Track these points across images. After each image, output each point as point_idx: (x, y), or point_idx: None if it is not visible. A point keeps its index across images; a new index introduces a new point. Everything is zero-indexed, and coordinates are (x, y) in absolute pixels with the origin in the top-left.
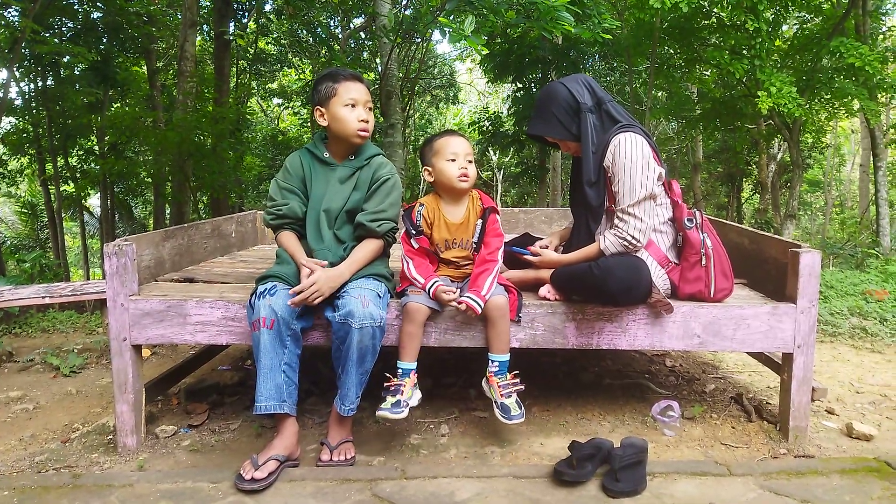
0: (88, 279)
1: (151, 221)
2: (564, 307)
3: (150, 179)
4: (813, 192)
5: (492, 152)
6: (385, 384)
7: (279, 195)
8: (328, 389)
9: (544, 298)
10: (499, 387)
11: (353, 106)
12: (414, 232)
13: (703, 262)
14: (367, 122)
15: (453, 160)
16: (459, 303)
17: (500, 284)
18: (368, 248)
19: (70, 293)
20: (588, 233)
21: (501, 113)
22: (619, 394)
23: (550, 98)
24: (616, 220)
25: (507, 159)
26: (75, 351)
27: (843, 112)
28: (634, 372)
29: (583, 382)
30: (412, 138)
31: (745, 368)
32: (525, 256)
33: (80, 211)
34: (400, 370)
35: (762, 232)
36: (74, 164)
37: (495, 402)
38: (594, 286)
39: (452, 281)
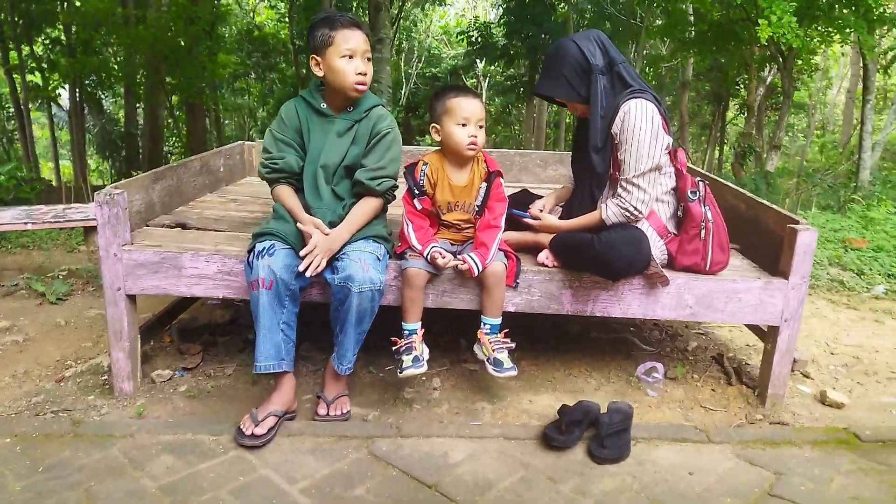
0: (59, 174)
1: (122, 117)
2: (562, 274)
3: (122, 79)
4: (797, 115)
5: (479, 63)
6: (395, 346)
7: (275, 147)
8: (322, 334)
9: (542, 264)
10: (490, 343)
11: (350, 57)
12: (417, 192)
13: (703, 235)
14: (366, 74)
15: (464, 125)
16: (462, 261)
17: (501, 250)
18: (367, 206)
19: (52, 219)
20: (591, 198)
21: (491, 23)
22: (606, 349)
23: (560, 56)
24: (620, 190)
25: (492, 67)
26: (60, 277)
27: (839, 39)
28: (620, 325)
29: (570, 335)
30: (396, 42)
31: (727, 324)
32: (525, 220)
33: (49, 104)
34: (406, 331)
35: (760, 200)
36: (40, 53)
37: (487, 357)
38: (595, 260)
39: (452, 244)
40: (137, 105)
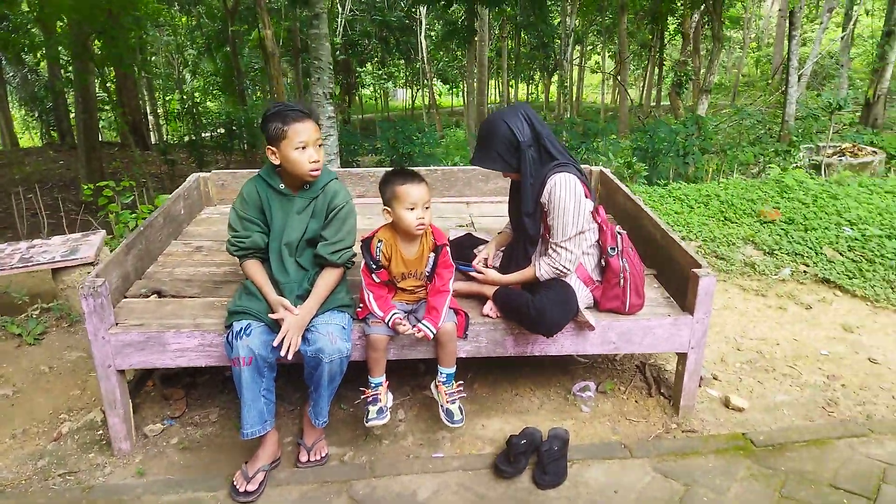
0: None
1: (45, 67)
2: (504, 324)
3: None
4: (732, 28)
5: (418, 11)
6: (363, 396)
7: (240, 226)
8: (296, 374)
9: (487, 316)
10: (446, 394)
11: (303, 148)
12: (374, 267)
13: (622, 283)
14: (318, 161)
15: (412, 209)
16: (418, 330)
17: (451, 309)
18: (330, 278)
19: (20, 264)
20: (524, 253)
21: None
22: (548, 365)
23: (492, 135)
24: (550, 251)
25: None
26: (34, 316)
27: None
28: None
29: None
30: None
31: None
32: (470, 273)
33: None
34: (372, 384)
35: (672, 234)
36: None
37: (441, 406)
38: (530, 324)
39: (407, 304)
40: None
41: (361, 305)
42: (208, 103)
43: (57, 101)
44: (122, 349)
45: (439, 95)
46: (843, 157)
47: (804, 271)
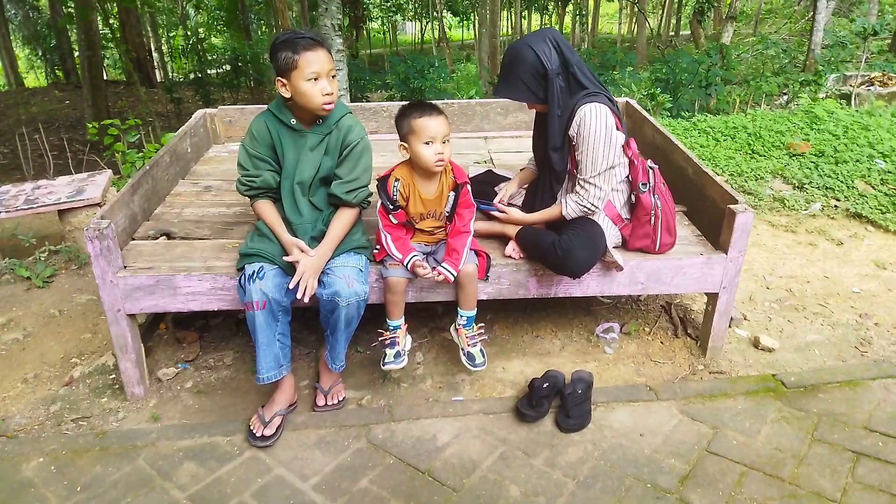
0: None
1: (45, 3)
2: (527, 265)
3: None
4: None
5: None
6: (380, 338)
7: (250, 164)
8: (311, 317)
9: (509, 257)
10: (466, 337)
11: (315, 79)
12: (392, 207)
13: (652, 221)
14: (332, 94)
15: (430, 143)
16: (438, 273)
17: (472, 250)
18: (346, 219)
19: (25, 205)
20: (550, 191)
21: None
22: (569, 306)
23: (518, 61)
24: (577, 187)
25: None
26: (42, 259)
27: None
28: None
29: None
30: None
31: None
32: (492, 212)
33: None
34: (391, 327)
35: (705, 169)
36: None
37: (462, 349)
38: (556, 264)
39: (426, 245)
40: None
41: (378, 247)
42: (213, 39)
43: (60, 39)
44: (131, 293)
45: (449, 28)
46: (871, 87)
47: (835, 206)
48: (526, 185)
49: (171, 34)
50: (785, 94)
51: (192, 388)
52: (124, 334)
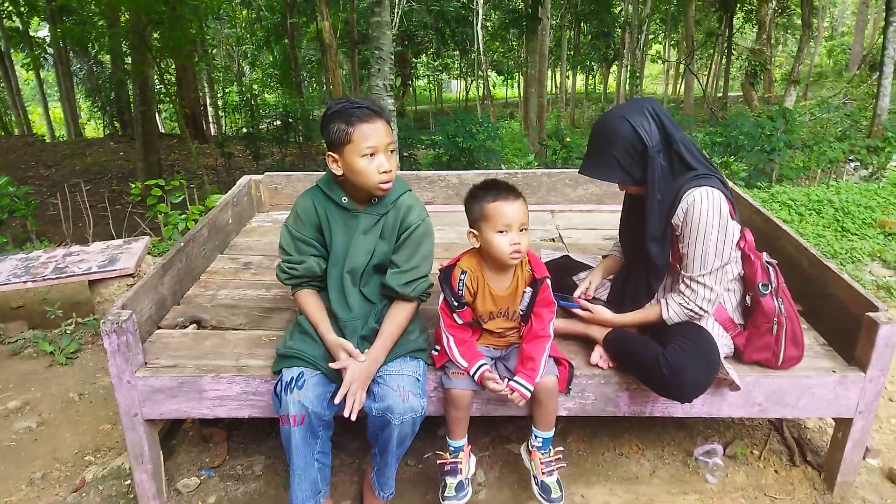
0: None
1: (109, 58)
2: (618, 376)
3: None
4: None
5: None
6: (439, 461)
7: (293, 247)
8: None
9: (595, 365)
10: (541, 463)
11: (371, 155)
12: (456, 304)
13: (775, 330)
14: (390, 171)
15: (505, 231)
16: (511, 389)
17: (551, 357)
18: (401, 316)
19: (53, 274)
20: (647, 287)
21: None
22: (657, 418)
23: (612, 138)
24: (682, 287)
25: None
26: (67, 332)
27: None
28: None
29: None
30: None
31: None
32: (574, 310)
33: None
34: (451, 447)
35: (826, 262)
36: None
37: (535, 477)
38: (661, 384)
39: (494, 349)
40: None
41: (438, 349)
42: (266, 95)
43: (119, 93)
44: (151, 395)
45: (493, 87)
46: None
47: None
48: (611, 277)
49: (227, 90)
50: (851, 160)
51: (216, 503)
52: (141, 443)
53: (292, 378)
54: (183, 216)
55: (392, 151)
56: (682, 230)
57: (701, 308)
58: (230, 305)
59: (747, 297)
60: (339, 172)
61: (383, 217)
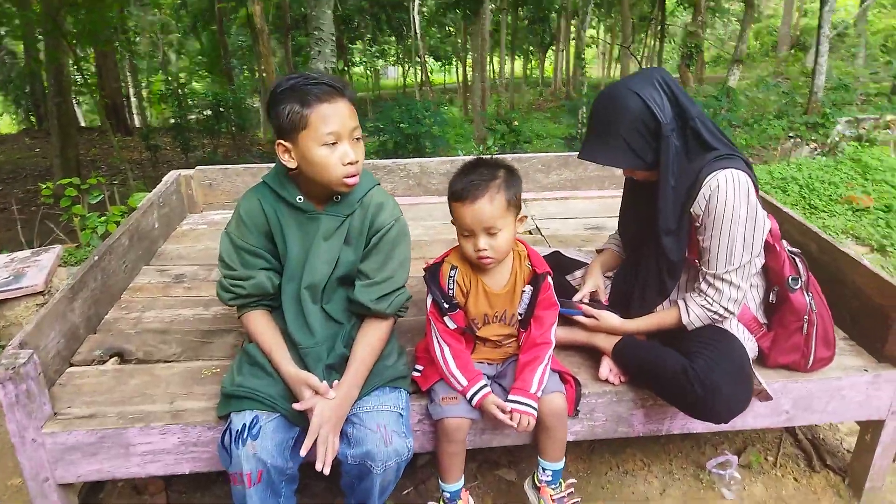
0: None
1: (22, 49)
2: (633, 392)
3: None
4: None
5: None
6: None
7: (237, 261)
8: None
9: (606, 381)
10: (553, 501)
11: (333, 143)
12: (447, 306)
13: (805, 329)
14: (356, 162)
15: (468, 236)
16: (514, 414)
17: (554, 371)
18: (375, 337)
19: None
20: (657, 287)
21: None
22: None
23: (619, 115)
24: (704, 286)
25: None
26: None
27: None
28: None
29: None
30: None
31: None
32: (576, 318)
33: None
34: (446, 493)
35: (842, 248)
36: None
37: None
38: (692, 404)
39: (490, 364)
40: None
41: (420, 369)
42: (194, 84)
43: (34, 84)
44: (63, 455)
45: (431, 73)
46: (890, 130)
47: None
48: (609, 274)
49: (151, 79)
50: (791, 136)
51: None
52: None
53: (244, 425)
54: (103, 219)
55: (357, 139)
56: (703, 220)
57: (726, 309)
58: (160, 331)
59: (771, 294)
60: (291, 165)
61: (348, 218)
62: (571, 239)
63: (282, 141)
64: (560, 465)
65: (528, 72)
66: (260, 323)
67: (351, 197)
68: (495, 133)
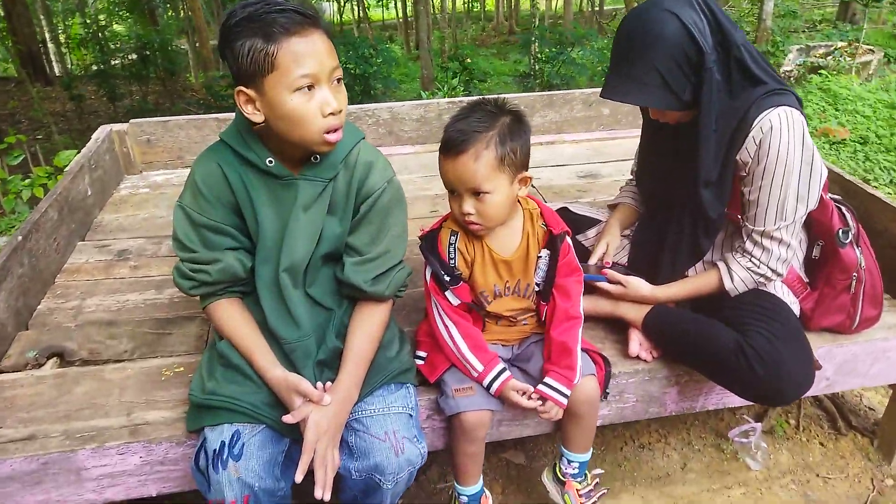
0: None
1: None
2: (666, 368)
3: None
4: None
5: None
6: None
7: (197, 241)
8: None
9: (637, 357)
10: (580, 496)
11: (309, 87)
12: (449, 279)
13: (853, 287)
14: (339, 111)
15: (454, 195)
16: (544, 399)
17: (582, 350)
18: (373, 324)
19: None
20: (691, 247)
21: None
22: None
23: (655, 42)
24: (749, 245)
25: None
26: None
27: None
28: None
29: None
30: None
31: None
32: (600, 285)
33: None
34: (464, 497)
35: (872, 190)
36: None
37: None
38: (752, 387)
39: (504, 346)
40: None
41: (424, 356)
42: (115, 27)
43: None
44: None
45: (368, 8)
46: (848, 59)
47: None
48: (627, 231)
49: (68, 22)
50: None
51: None
52: None
53: (223, 444)
54: (27, 182)
55: (339, 80)
56: (751, 169)
57: (774, 271)
58: (106, 323)
59: (815, 249)
60: (257, 119)
61: (331, 182)
62: (567, 189)
63: (243, 88)
64: (588, 455)
65: (469, 6)
66: (232, 315)
67: (333, 156)
68: (447, 72)
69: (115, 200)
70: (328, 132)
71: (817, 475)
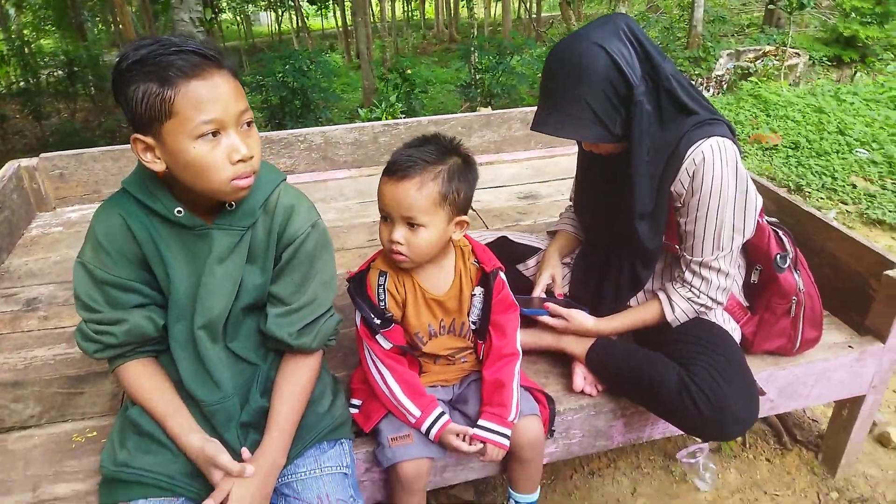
0: None
1: None
2: (612, 403)
3: None
4: None
5: None
6: None
7: (101, 300)
8: None
9: (581, 392)
10: None
11: (214, 134)
12: (379, 322)
13: (793, 310)
14: (250, 157)
15: (385, 220)
16: (483, 443)
17: (524, 388)
18: (301, 379)
19: None
20: (631, 278)
21: None
22: None
23: (583, 76)
24: (688, 275)
25: None
26: None
27: None
28: None
29: None
30: None
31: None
32: (542, 319)
33: None
34: None
35: (814, 212)
36: None
37: None
38: (698, 426)
39: (443, 386)
40: None
41: (359, 404)
42: (41, 42)
43: None
44: None
45: (307, 17)
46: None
47: (847, 212)
48: (567, 260)
49: None
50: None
51: None
52: None
53: None
54: None
55: (249, 124)
56: (686, 201)
57: (714, 300)
58: (10, 384)
59: (753, 274)
60: (157, 168)
61: (249, 230)
62: (506, 212)
63: (139, 136)
64: (535, 495)
65: (409, 14)
66: (142, 378)
67: (250, 202)
68: (388, 83)
69: (25, 242)
70: (238, 180)
71: (765, 493)
